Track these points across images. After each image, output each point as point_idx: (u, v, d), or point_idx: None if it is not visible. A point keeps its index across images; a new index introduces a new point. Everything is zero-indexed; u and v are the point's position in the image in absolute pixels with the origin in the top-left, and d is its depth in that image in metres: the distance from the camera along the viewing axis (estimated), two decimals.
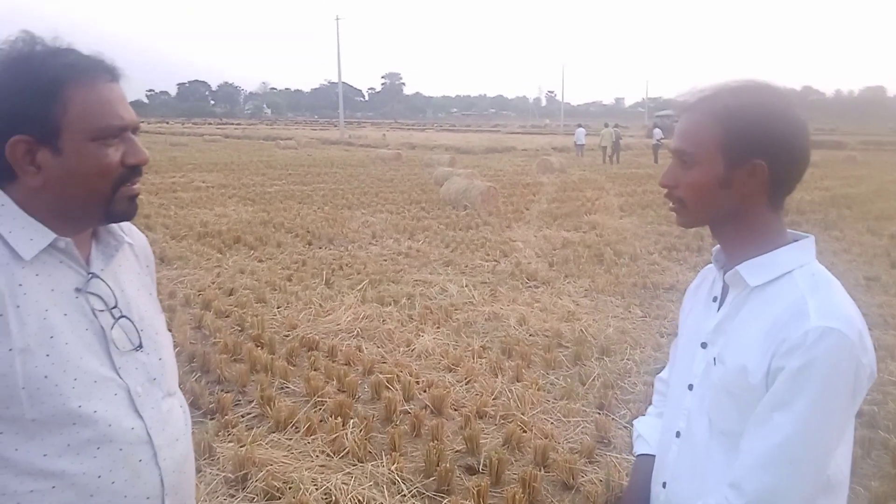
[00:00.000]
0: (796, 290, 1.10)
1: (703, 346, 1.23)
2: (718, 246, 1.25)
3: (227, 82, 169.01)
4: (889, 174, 22.50)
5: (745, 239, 1.17)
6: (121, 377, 1.12)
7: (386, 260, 8.40)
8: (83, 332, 1.09)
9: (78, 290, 1.11)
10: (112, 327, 1.13)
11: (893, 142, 43.45)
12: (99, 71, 1.09)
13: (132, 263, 1.27)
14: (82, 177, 1.08)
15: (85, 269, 1.13)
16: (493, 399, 4.31)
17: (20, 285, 1.04)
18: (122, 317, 1.16)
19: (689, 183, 1.17)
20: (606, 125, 29.82)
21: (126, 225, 1.26)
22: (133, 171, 1.13)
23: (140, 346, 1.17)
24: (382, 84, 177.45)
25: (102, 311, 1.13)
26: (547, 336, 5.58)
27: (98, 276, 1.14)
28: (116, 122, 1.09)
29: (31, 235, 1.07)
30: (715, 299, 1.25)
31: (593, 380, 4.66)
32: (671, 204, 1.22)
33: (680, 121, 1.20)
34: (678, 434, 1.26)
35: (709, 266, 1.34)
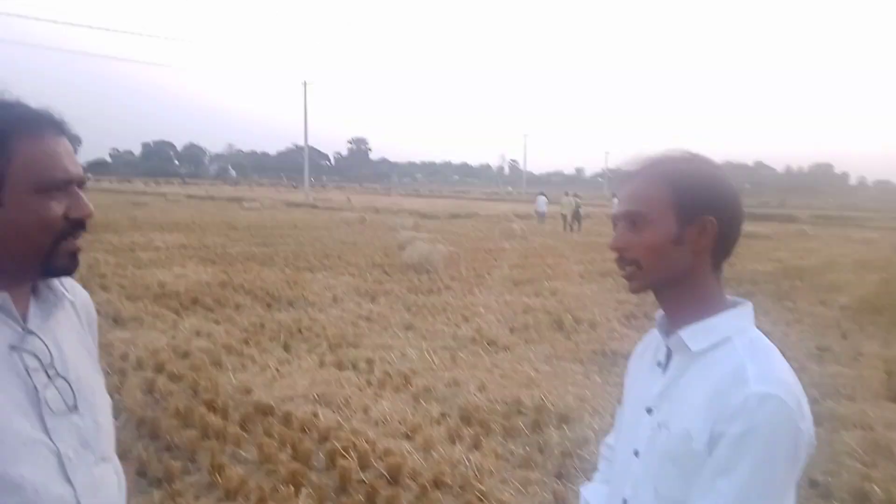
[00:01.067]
0: (736, 355, 1.12)
1: (649, 411, 1.23)
2: (661, 311, 1.27)
3: (192, 143, 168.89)
4: (838, 247, 23.34)
5: (687, 303, 1.19)
6: (52, 440, 1.07)
7: (346, 323, 8.32)
8: (14, 392, 1.04)
9: (12, 347, 1.06)
10: (46, 387, 1.08)
11: (842, 216, 45.30)
12: (45, 124, 1.08)
13: (72, 321, 1.23)
14: (23, 229, 1.05)
15: (21, 325, 1.09)
16: (451, 468, 4.23)
17: None
18: (58, 376, 1.11)
19: (644, 243, 1.18)
20: (567, 194, 30.54)
21: (68, 281, 1.23)
22: (76, 225, 1.10)
23: (75, 407, 1.12)
24: (349, 149, 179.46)
25: (37, 370, 1.08)
26: (506, 403, 5.54)
27: (34, 334, 1.10)
28: (61, 175, 1.07)
29: None
30: (659, 364, 1.26)
31: (552, 448, 4.62)
32: (624, 269, 1.23)
33: (625, 187, 1.23)
34: (625, 502, 1.25)
35: (652, 330, 1.36)
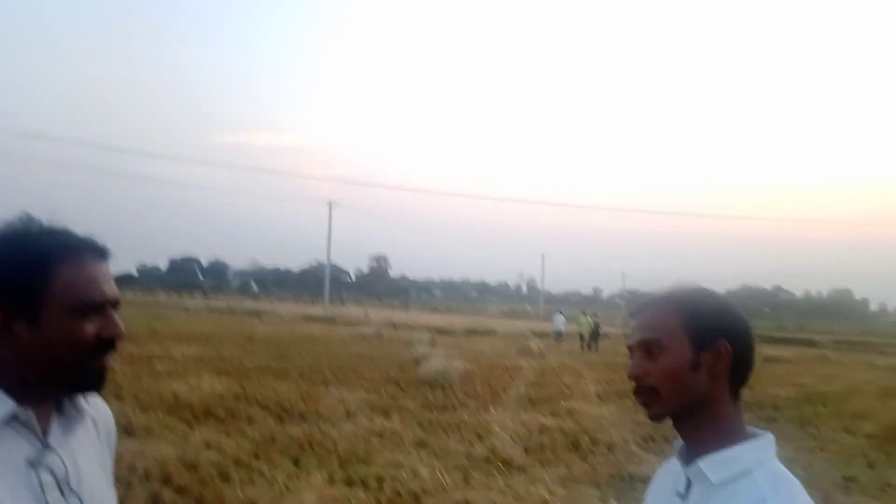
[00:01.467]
0: (757, 489, 1.10)
1: None
2: (681, 440, 1.27)
3: (217, 259, 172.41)
4: (861, 373, 22.78)
5: (707, 432, 1.19)
6: None
7: (358, 439, 8.20)
8: None
9: (30, 462, 1.07)
10: None
11: (863, 342, 44.40)
12: (87, 250, 1.14)
13: (92, 438, 1.24)
14: (55, 348, 1.08)
15: (42, 441, 1.10)
16: None
17: None
18: (71, 493, 1.12)
19: (661, 369, 1.19)
20: (583, 313, 30.53)
21: (92, 396, 1.25)
22: (106, 344, 1.14)
23: None
24: (370, 266, 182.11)
25: (51, 486, 1.09)
26: None
27: (53, 450, 1.11)
28: (98, 298, 1.12)
29: None
30: (679, 494, 1.24)
31: None
32: (641, 397, 1.24)
33: (640, 317, 1.27)
34: None
35: (671, 459, 1.35)
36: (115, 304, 1.16)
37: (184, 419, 8.65)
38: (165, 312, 39.19)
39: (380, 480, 6.37)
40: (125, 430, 7.75)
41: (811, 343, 39.87)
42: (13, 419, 1.07)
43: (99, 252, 1.17)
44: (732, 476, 1.13)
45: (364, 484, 6.23)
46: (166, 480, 5.93)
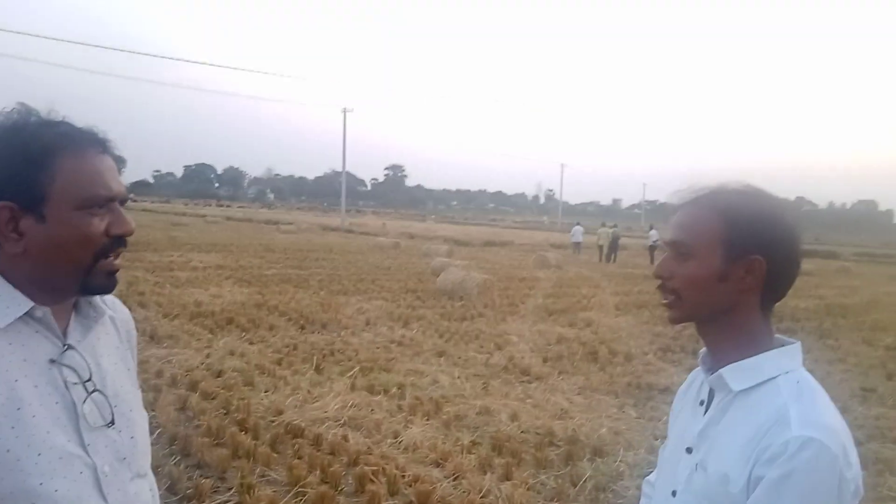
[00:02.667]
0: (779, 397, 1.07)
1: (689, 451, 1.19)
2: (705, 348, 1.23)
3: (232, 166, 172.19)
4: (883, 286, 22.68)
5: (731, 340, 1.15)
6: (88, 455, 1.07)
7: (378, 348, 8.32)
8: (53, 406, 1.04)
9: (52, 361, 1.07)
10: (84, 401, 1.08)
11: (886, 254, 44.02)
12: (89, 142, 1.09)
13: (112, 337, 1.24)
14: (64, 245, 1.06)
15: (61, 339, 1.10)
16: (481, 497, 4.17)
17: None
18: (96, 391, 1.11)
19: (686, 274, 1.15)
20: (604, 224, 30.40)
21: (109, 298, 1.24)
22: (116, 241, 1.11)
23: (112, 422, 1.12)
24: (385, 175, 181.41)
25: (76, 384, 1.08)
26: (539, 433, 5.45)
27: (74, 348, 1.10)
28: (103, 192, 1.08)
29: (8, 303, 1.04)
30: (702, 403, 1.22)
31: (585, 481, 4.52)
32: (664, 298, 1.20)
33: (677, 214, 1.20)
34: None
35: (698, 368, 1.31)
36: (122, 199, 1.12)
37: (207, 327, 8.80)
38: (184, 221, 39.56)
39: (401, 387, 6.48)
40: (150, 337, 7.91)
41: (833, 255, 39.57)
42: (30, 317, 1.06)
43: (101, 144, 1.11)
44: (755, 384, 1.11)
45: (385, 391, 6.34)
46: (193, 387, 6.06)
